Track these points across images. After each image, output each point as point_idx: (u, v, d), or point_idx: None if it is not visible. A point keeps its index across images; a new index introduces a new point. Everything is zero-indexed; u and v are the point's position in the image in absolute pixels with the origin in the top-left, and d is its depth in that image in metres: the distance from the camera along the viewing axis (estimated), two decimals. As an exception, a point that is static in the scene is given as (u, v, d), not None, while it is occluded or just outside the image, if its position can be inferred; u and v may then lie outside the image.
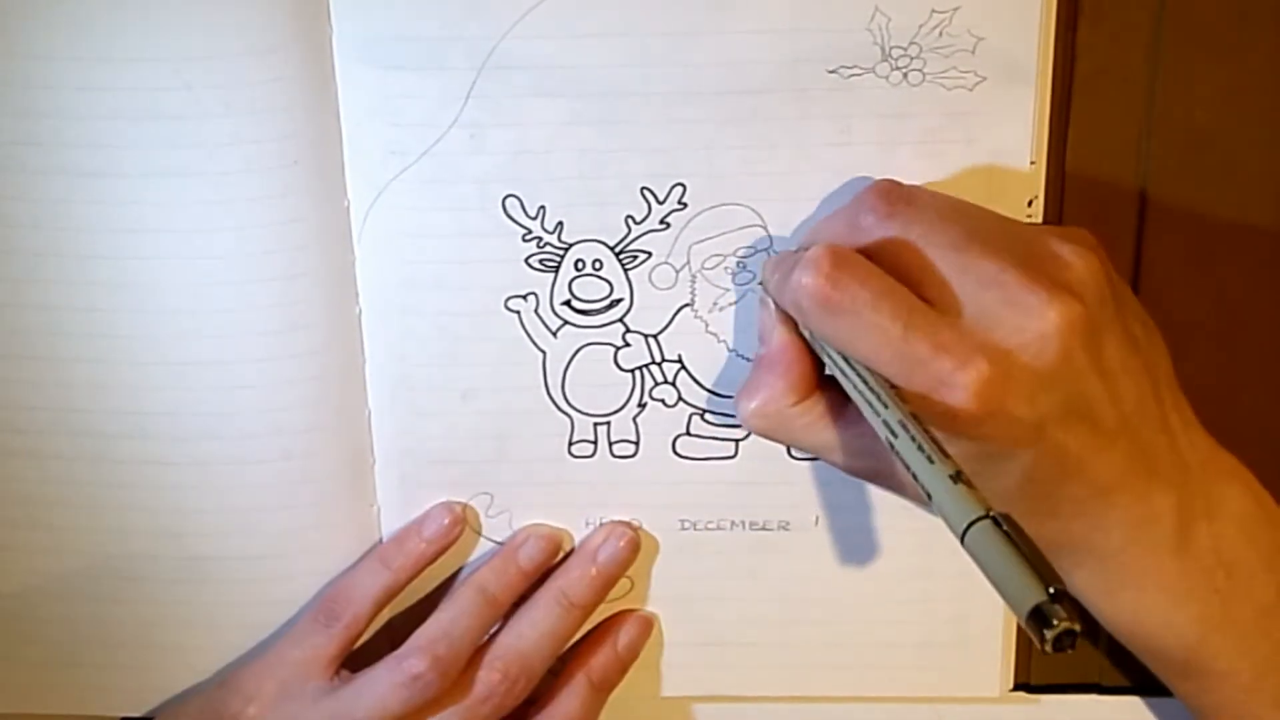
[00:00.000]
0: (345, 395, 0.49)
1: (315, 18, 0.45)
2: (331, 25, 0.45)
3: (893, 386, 0.41)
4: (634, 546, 0.50)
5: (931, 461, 0.38)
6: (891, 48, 0.45)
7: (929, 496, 0.38)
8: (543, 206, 0.47)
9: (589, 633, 0.52)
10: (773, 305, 0.45)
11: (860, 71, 0.45)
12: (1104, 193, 0.49)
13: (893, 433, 0.39)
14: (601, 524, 0.51)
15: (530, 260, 0.48)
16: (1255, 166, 0.48)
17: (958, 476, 0.38)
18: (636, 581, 0.52)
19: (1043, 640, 0.34)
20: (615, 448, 0.50)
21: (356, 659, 0.50)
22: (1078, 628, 0.34)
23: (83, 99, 0.45)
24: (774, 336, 0.45)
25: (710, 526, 0.51)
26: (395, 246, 0.47)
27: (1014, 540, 0.36)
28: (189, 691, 0.52)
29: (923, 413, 0.40)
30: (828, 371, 0.44)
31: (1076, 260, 0.41)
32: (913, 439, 0.39)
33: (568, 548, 0.51)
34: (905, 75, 0.45)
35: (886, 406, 0.40)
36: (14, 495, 0.50)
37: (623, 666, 0.52)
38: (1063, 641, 0.34)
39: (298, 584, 0.51)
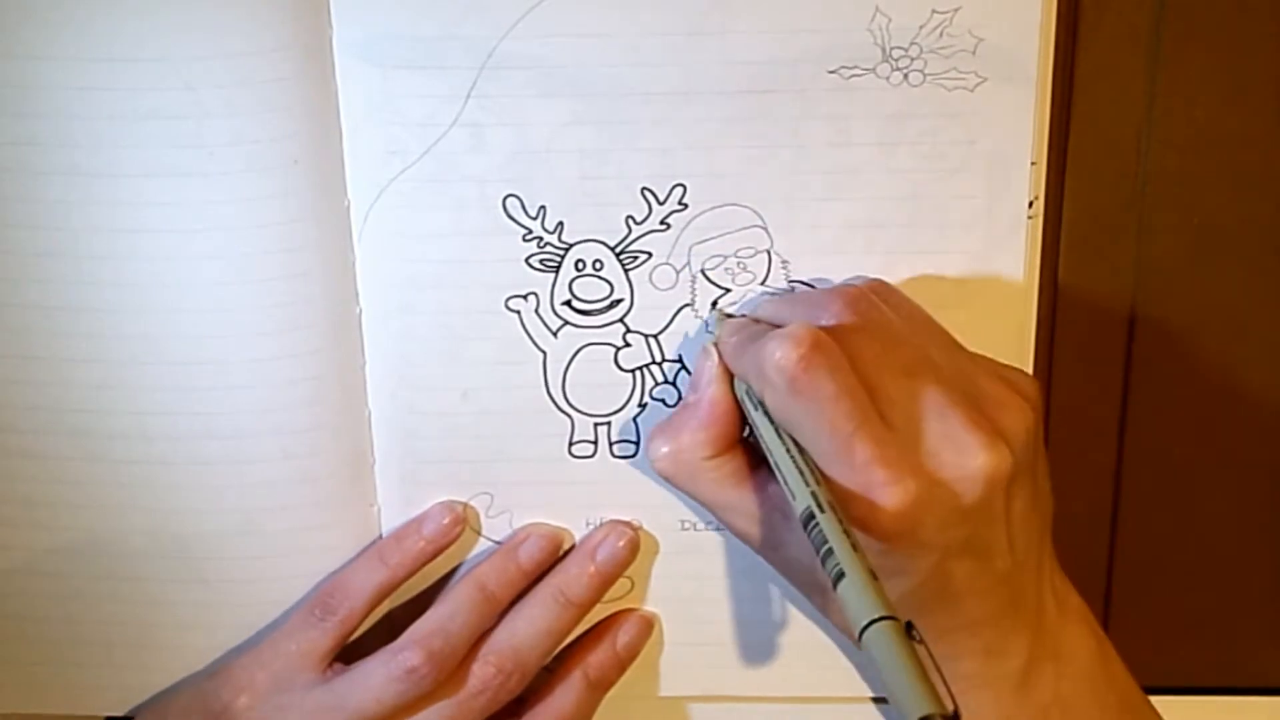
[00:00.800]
0: (345, 395, 0.49)
1: (315, 18, 0.45)
2: (331, 25, 0.45)
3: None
4: (634, 546, 0.50)
5: (853, 550, 0.39)
6: (892, 48, 0.45)
7: (835, 581, 0.39)
8: (543, 206, 0.47)
9: (588, 631, 0.52)
10: (715, 358, 0.46)
11: (861, 72, 0.45)
12: (1104, 193, 0.49)
13: (818, 508, 0.40)
14: (602, 523, 0.51)
15: (530, 260, 0.48)
16: (1255, 166, 0.48)
17: (870, 572, 0.39)
18: (636, 581, 0.52)
19: None
20: (615, 448, 0.50)
21: (355, 651, 0.50)
22: None
23: (83, 99, 0.45)
24: (708, 389, 0.46)
25: (710, 526, 0.51)
26: (395, 246, 0.47)
27: (914, 647, 0.37)
28: (181, 683, 0.52)
29: (843, 510, 0.41)
30: (745, 435, 0.45)
31: (1016, 411, 0.43)
32: (838, 523, 0.40)
33: (567, 547, 0.51)
34: (906, 76, 0.45)
35: (818, 485, 0.41)
36: (14, 495, 0.50)
37: (621, 665, 0.52)
38: None
39: (298, 584, 0.51)
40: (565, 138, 0.46)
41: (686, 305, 0.48)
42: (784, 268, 0.48)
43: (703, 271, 0.48)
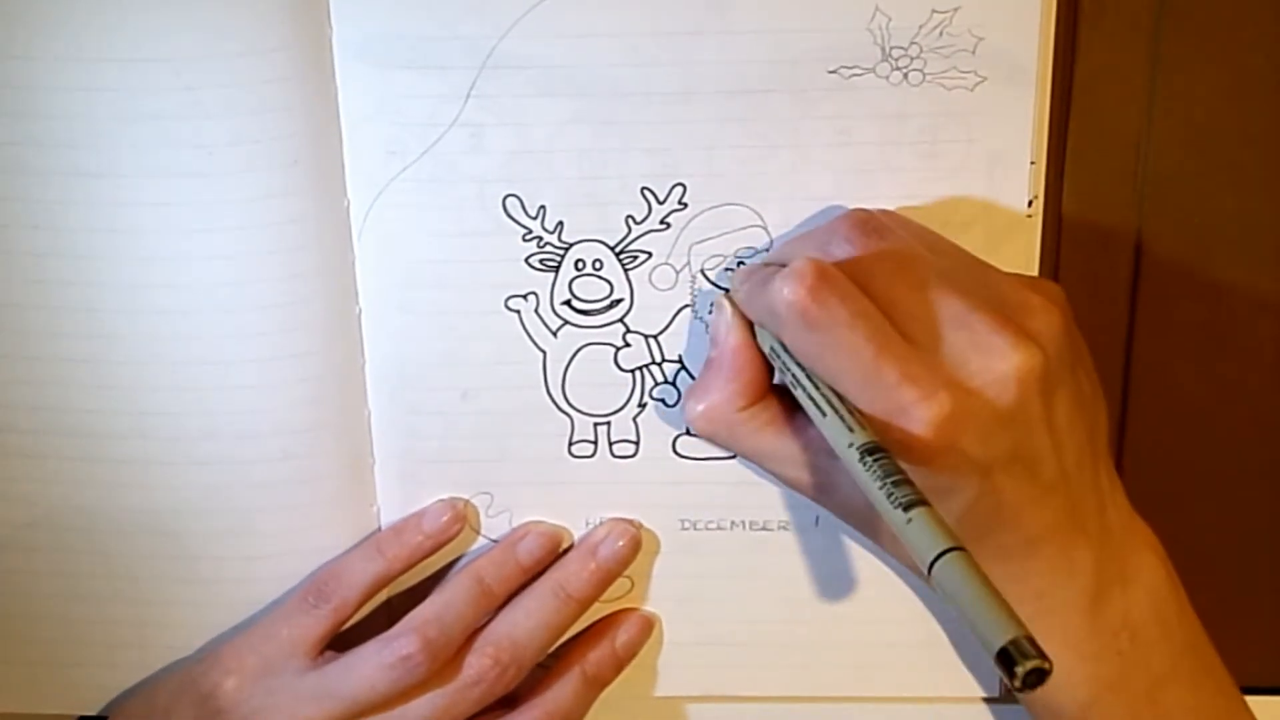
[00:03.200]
0: (345, 395, 0.49)
1: (315, 18, 0.45)
2: (331, 25, 0.45)
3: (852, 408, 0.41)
4: (635, 545, 0.50)
5: (897, 492, 0.38)
6: (892, 48, 0.45)
7: (894, 520, 0.38)
8: (543, 206, 0.47)
9: (587, 629, 0.52)
10: (729, 310, 0.45)
11: (860, 71, 0.45)
12: (1104, 193, 0.49)
13: (860, 446, 0.40)
14: (603, 522, 0.51)
15: (530, 260, 0.48)
16: (1255, 166, 0.48)
17: (926, 504, 0.38)
18: (636, 581, 0.52)
19: (1012, 676, 0.35)
20: (615, 448, 0.50)
21: (356, 639, 0.49)
22: (1048, 666, 0.35)
23: (83, 100, 0.45)
24: (728, 340, 0.45)
25: (710, 526, 0.51)
26: (395, 246, 0.47)
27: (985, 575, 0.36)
28: (169, 667, 0.52)
29: (880, 437, 0.40)
30: (776, 380, 0.44)
31: (1042, 312, 0.42)
32: (883, 458, 0.39)
33: (567, 545, 0.51)
34: (905, 75, 0.45)
35: (856, 423, 0.40)
36: (14, 495, 0.50)
37: (619, 664, 0.52)
38: (1031, 679, 0.35)
39: (298, 584, 0.51)
40: (565, 137, 0.46)
41: (686, 305, 0.48)
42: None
43: (703, 271, 0.48)
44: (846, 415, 0.41)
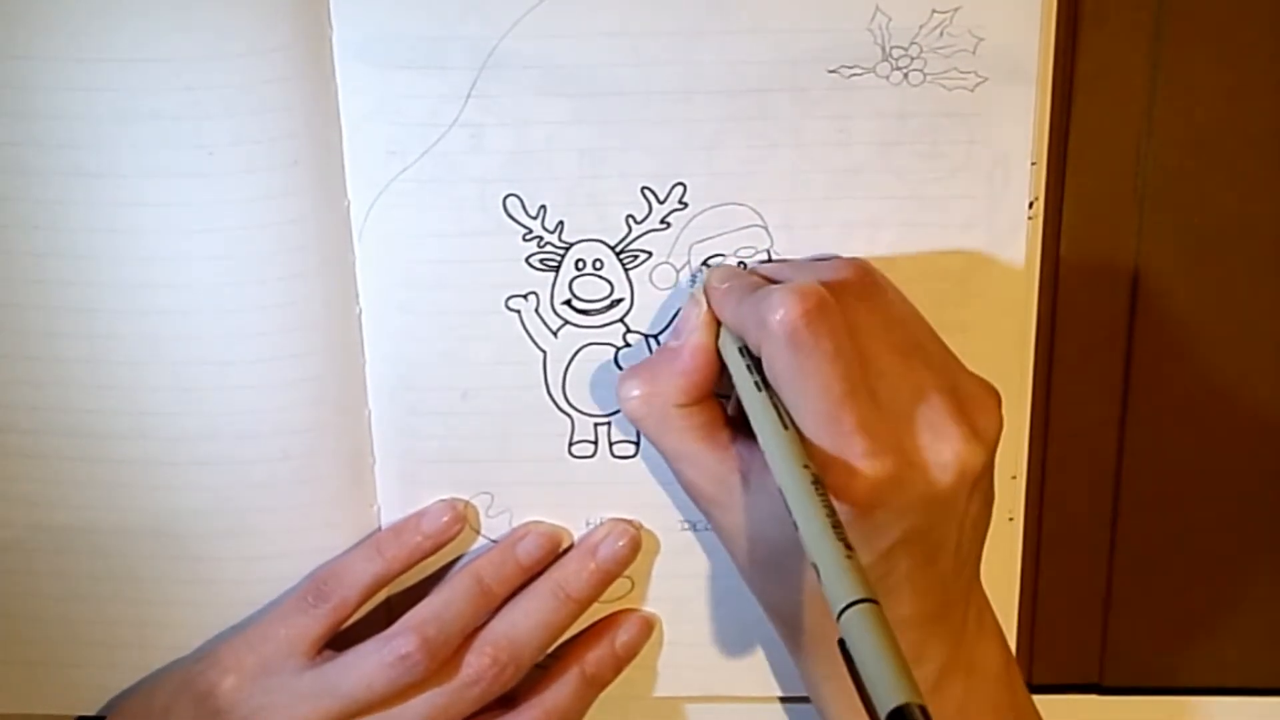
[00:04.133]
0: (345, 395, 0.49)
1: (315, 18, 0.45)
2: (331, 25, 0.45)
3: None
4: (635, 545, 0.50)
5: (835, 528, 0.38)
6: (892, 48, 0.45)
7: (816, 559, 0.38)
8: (543, 206, 0.47)
9: (587, 629, 0.52)
10: (704, 305, 0.46)
11: (861, 71, 0.45)
12: (1104, 193, 0.49)
13: (804, 477, 0.40)
14: (603, 522, 0.51)
15: (531, 260, 0.48)
16: (1255, 166, 0.48)
17: (851, 551, 0.38)
18: (636, 581, 0.52)
19: None
20: (615, 448, 0.50)
21: (355, 638, 0.49)
22: None
23: (84, 100, 0.45)
24: (693, 336, 0.45)
25: (710, 526, 0.51)
26: (395, 246, 0.47)
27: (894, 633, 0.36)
28: (168, 667, 0.52)
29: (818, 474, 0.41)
30: (717, 391, 0.45)
31: (990, 413, 0.44)
32: (822, 495, 0.39)
33: (567, 546, 0.51)
34: (906, 75, 0.45)
35: (805, 466, 0.40)
36: (14, 495, 0.50)
37: (618, 665, 0.52)
38: None
39: (298, 584, 0.51)
40: (565, 137, 0.46)
41: (686, 305, 0.48)
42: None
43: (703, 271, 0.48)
44: (792, 436, 0.41)
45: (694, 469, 0.46)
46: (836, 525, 0.39)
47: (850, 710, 0.45)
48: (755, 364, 0.44)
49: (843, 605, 0.37)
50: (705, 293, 0.46)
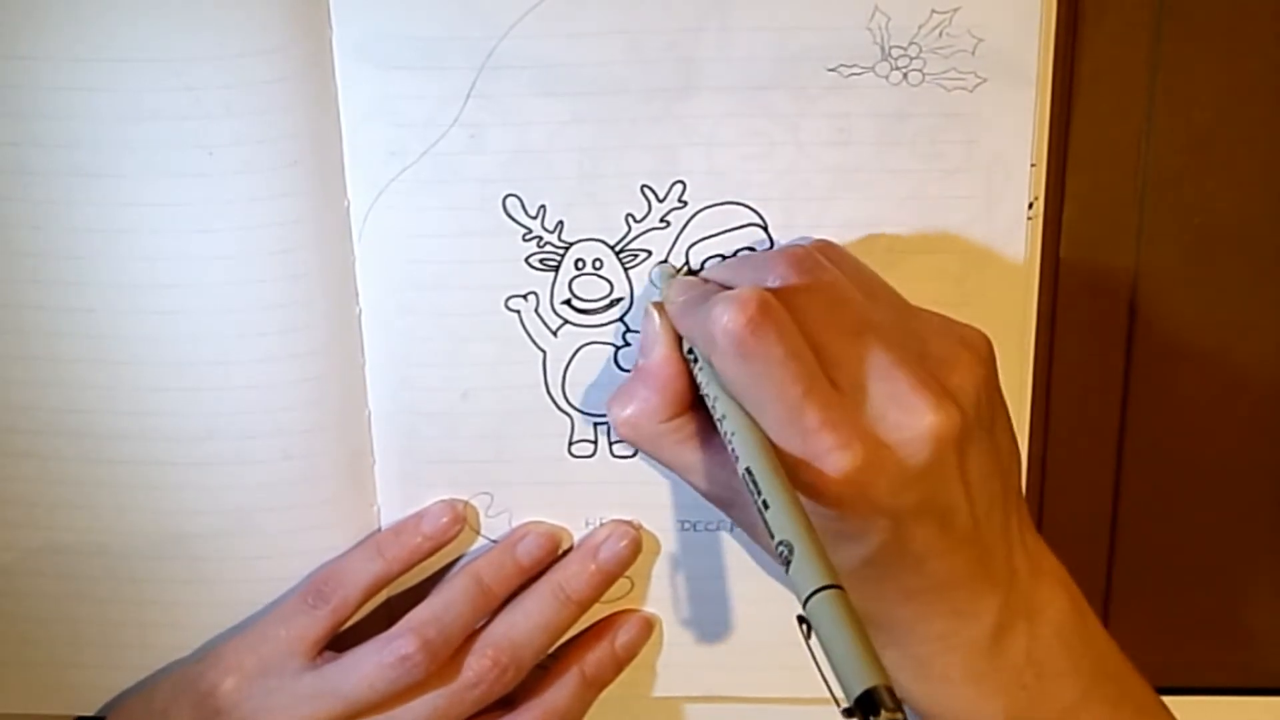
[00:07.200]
0: (345, 395, 0.49)
1: (315, 18, 0.45)
2: (331, 25, 0.45)
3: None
4: (635, 547, 0.50)
5: (798, 516, 0.39)
6: (891, 47, 0.45)
7: (779, 551, 0.38)
8: (543, 206, 0.47)
9: (587, 629, 0.52)
10: (658, 320, 0.45)
11: (860, 71, 0.45)
12: (1104, 193, 0.49)
13: (761, 472, 0.40)
14: (603, 523, 0.51)
15: (530, 260, 0.48)
16: (1255, 166, 0.49)
17: (815, 538, 0.38)
18: (636, 582, 0.52)
19: None
20: (615, 448, 0.50)
21: (356, 639, 0.49)
22: (902, 718, 0.35)
23: (84, 100, 0.45)
24: (655, 350, 0.45)
25: (710, 526, 0.51)
26: (395, 246, 0.47)
27: (859, 618, 0.36)
28: (168, 667, 0.52)
29: (791, 476, 0.40)
30: (703, 392, 0.44)
31: (965, 367, 0.43)
32: (782, 487, 0.39)
33: (566, 546, 0.51)
34: (905, 75, 0.45)
35: (761, 449, 0.41)
36: (14, 495, 0.50)
37: (618, 665, 0.52)
38: None
39: (298, 585, 0.51)
40: (565, 136, 0.46)
41: (686, 305, 0.48)
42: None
43: (702, 270, 0.48)
44: (753, 437, 0.41)
45: (699, 477, 0.45)
46: (800, 510, 0.39)
47: (914, 679, 0.45)
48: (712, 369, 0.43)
49: (809, 592, 0.37)
50: (659, 306, 0.46)
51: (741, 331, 0.41)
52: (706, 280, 0.46)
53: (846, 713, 0.35)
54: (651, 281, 0.48)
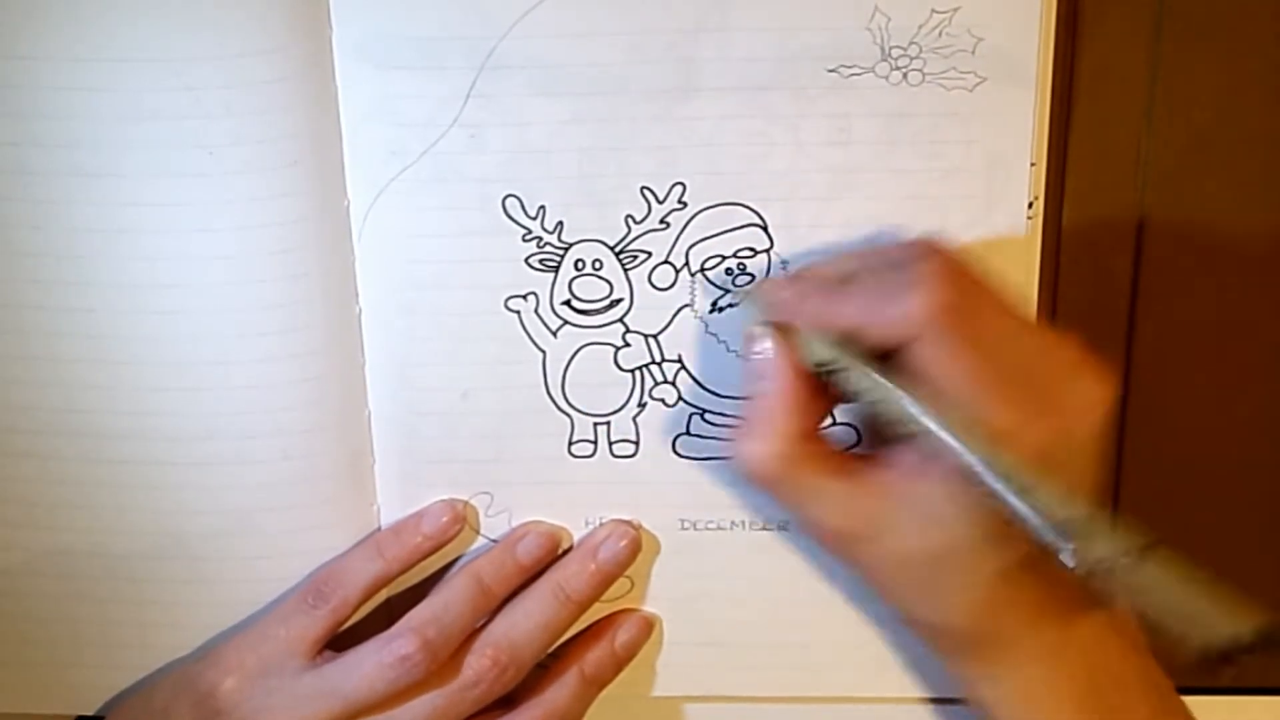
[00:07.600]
0: (345, 395, 0.49)
1: (315, 18, 0.45)
2: (331, 25, 0.45)
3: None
4: (635, 546, 0.50)
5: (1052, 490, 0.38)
6: (891, 47, 0.45)
7: (1062, 536, 0.38)
8: (543, 206, 0.47)
9: (587, 629, 0.52)
10: (769, 340, 0.44)
11: (860, 71, 0.45)
12: (1104, 193, 0.49)
13: (991, 463, 0.40)
14: (603, 523, 0.51)
15: (530, 260, 0.48)
16: (1255, 166, 0.49)
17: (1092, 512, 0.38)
18: (636, 582, 0.52)
19: (1229, 662, 0.34)
20: (615, 448, 0.50)
21: (355, 639, 0.49)
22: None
23: (84, 100, 0.45)
24: (782, 370, 0.44)
25: (710, 526, 0.51)
26: (395, 246, 0.47)
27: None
28: (167, 667, 0.52)
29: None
30: (867, 399, 0.42)
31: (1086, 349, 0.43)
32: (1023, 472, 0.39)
33: (566, 546, 0.51)
34: (905, 75, 0.45)
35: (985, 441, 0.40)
36: (14, 495, 0.50)
37: (618, 664, 0.52)
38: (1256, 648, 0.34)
39: (298, 585, 0.51)
40: (565, 137, 0.46)
41: (686, 305, 0.48)
42: (783, 267, 0.48)
43: (702, 270, 0.48)
44: (972, 429, 0.40)
45: (831, 508, 0.44)
46: (1049, 488, 0.38)
47: (1025, 704, 0.45)
48: (860, 362, 0.42)
49: (1119, 555, 0.36)
50: (773, 324, 0.44)
51: (947, 307, 0.40)
52: (800, 277, 0.45)
53: (1246, 650, 0.34)
54: (736, 305, 0.47)
